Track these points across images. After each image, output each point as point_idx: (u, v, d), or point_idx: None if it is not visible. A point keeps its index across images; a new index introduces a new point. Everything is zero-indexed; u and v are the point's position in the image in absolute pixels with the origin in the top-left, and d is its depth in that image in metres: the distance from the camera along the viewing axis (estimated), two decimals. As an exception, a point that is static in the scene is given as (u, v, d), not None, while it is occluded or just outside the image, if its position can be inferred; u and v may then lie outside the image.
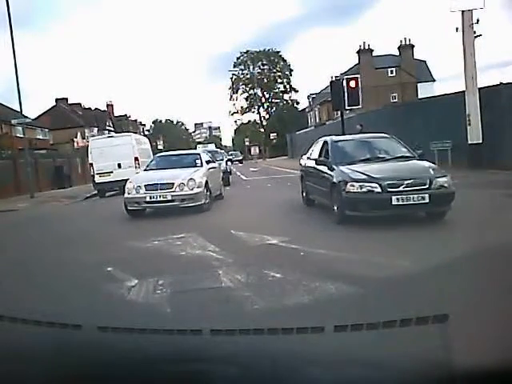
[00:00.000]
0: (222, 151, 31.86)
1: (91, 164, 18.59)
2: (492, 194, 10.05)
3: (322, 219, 8.44)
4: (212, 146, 39.12)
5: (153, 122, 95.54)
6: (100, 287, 4.72)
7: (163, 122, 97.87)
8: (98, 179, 18.32)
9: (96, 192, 18.71)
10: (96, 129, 55.88)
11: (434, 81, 45.16)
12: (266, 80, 68.64)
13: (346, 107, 18.28)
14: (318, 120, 54.58)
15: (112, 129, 61.27)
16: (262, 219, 9.03)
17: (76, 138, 48.72)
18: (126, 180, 11.17)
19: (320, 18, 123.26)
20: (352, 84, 17.90)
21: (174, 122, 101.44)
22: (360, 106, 18.42)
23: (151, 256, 6.22)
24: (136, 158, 17.99)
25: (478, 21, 14.20)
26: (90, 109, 60.36)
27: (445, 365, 1.09)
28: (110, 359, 1.26)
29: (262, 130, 67.00)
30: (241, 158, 55.81)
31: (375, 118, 22.54)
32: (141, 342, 1.40)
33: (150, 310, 3.88)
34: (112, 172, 17.94)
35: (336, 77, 18.74)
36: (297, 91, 69.31)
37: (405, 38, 45.69)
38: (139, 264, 5.70)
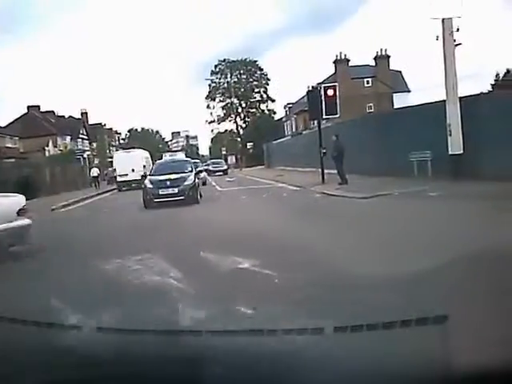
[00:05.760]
0: (197, 160, 31.19)
1: (115, 169, 30.51)
2: (475, 206, 9.63)
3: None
4: (181, 155, 36.36)
5: (128, 131, 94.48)
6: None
7: (139, 130, 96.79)
8: (118, 179, 29.11)
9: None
10: (69, 137, 54.75)
11: (409, 91, 45.42)
12: (242, 89, 69.05)
13: (324, 116, 17.90)
14: (294, 129, 54.49)
15: (86, 137, 60.19)
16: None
17: (47, 146, 47.54)
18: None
19: (297, 28, 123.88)
20: (330, 93, 17.55)
21: (150, 131, 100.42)
22: (338, 116, 18.07)
23: (100, 283, 5.45)
24: (144, 166, 27.70)
25: (458, 29, 13.94)
26: (63, 117, 59.19)
27: (445, 365, 1.10)
28: (110, 360, 1.26)
29: (239, 139, 67.03)
30: (225, 167, 44.91)
31: (353, 128, 22.15)
32: (141, 343, 1.40)
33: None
34: (127, 174, 28.26)
35: (313, 86, 18.25)
36: (273, 101, 69.75)
37: (381, 49, 46.19)
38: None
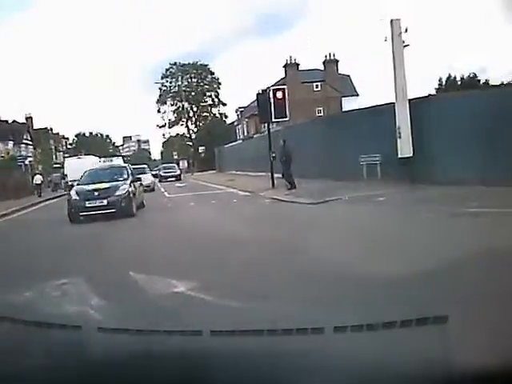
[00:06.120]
0: (144, 166, 29.62)
1: (66, 175, 28.90)
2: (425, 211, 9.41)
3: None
4: (118, 160, 28.44)
5: (76, 136, 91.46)
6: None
7: (87, 135, 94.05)
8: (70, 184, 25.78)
9: None
10: (12, 142, 52.49)
11: (358, 95, 45.94)
12: (194, 93, 68.33)
13: (273, 119, 17.52)
14: (246, 133, 54.25)
15: (30, 142, 57.92)
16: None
17: (-13, 152, 45.28)
18: None
19: (249, 32, 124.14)
20: (279, 95, 17.19)
21: (99, 136, 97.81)
22: (287, 119, 17.74)
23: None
24: None
25: (406, 30, 13.83)
26: (6, 121, 56.62)
27: (445, 366, 1.11)
28: (110, 360, 1.26)
29: (191, 143, 66.23)
30: (178, 173, 40.23)
31: (303, 132, 21.93)
32: (141, 343, 1.39)
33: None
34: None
35: (263, 89, 17.83)
36: (225, 104, 69.37)
37: (329, 53, 46.58)
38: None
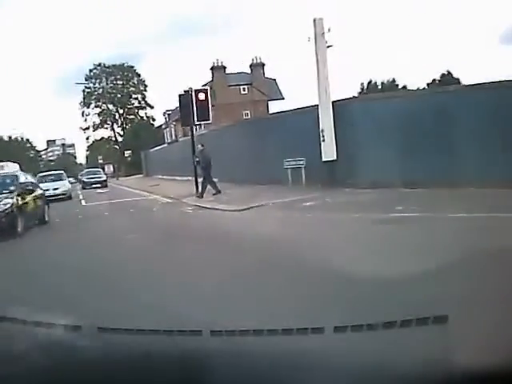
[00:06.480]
0: (60, 172, 27.63)
1: None
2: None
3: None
4: (14, 166, 22.12)
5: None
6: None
7: (5, 139, 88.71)
8: None
9: None
10: None
11: (283, 99, 46.17)
12: (119, 95, 66.68)
13: (196, 122, 16.74)
14: (174, 137, 53.18)
15: None
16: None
17: None
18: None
19: (177, 34, 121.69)
20: (201, 96, 16.43)
21: (19, 140, 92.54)
22: (210, 121, 17.05)
23: None
24: None
25: (329, 30, 13.50)
26: None
27: (445, 365, 1.11)
28: (110, 360, 1.26)
29: (117, 146, 64.32)
30: (103, 178, 36.19)
31: (228, 135, 21.31)
32: (141, 343, 1.39)
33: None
34: None
35: (185, 90, 16.98)
36: (152, 107, 68.06)
37: (256, 57, 46.38)
38: None
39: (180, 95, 17.28)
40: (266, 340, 1.39)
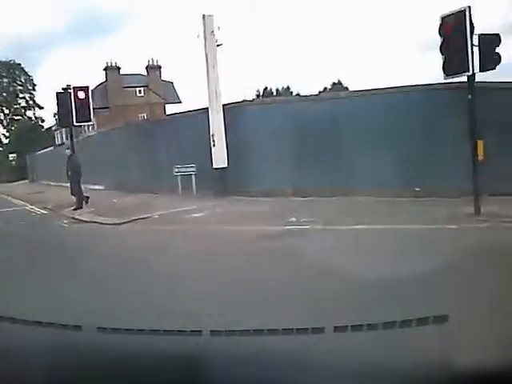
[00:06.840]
0: None
1: None
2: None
3: None
4: None
5: None
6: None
7: None
8: None
9: None
10: None
11: (181, 102, 45.12)
12: (5, 93, 61.75)
13: (75, 123, 15.06)
14: (65, 139, 50.02)
15: None
16: None
17: None
18: None
19: (69, 33, 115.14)
20: (81, 95, 14.83)
21: None
22: (92, 122, 15.53)
23: None
24: None
25: (219, 28, 12.59)
26: None
27: (445, 365, 1.10)
28: (110, 360, 1.24)
29: (1, 149, 59.68)
30: None
31: (118, 138, 19.65)
32: (141, 343, 1.38)
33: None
34: None
35: (63, 87, 15.24)
36: (41, 108, 63.57)
37: (152, 59, 44.96)
38: None
39: (58, 93, 15.48)
40: (266, 340, 1.42)
